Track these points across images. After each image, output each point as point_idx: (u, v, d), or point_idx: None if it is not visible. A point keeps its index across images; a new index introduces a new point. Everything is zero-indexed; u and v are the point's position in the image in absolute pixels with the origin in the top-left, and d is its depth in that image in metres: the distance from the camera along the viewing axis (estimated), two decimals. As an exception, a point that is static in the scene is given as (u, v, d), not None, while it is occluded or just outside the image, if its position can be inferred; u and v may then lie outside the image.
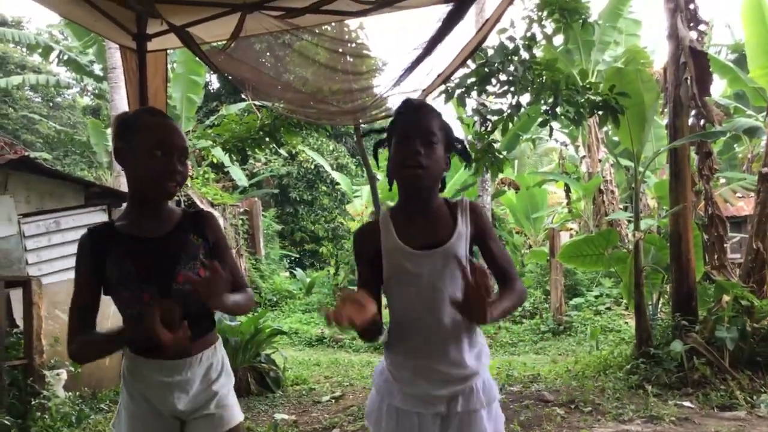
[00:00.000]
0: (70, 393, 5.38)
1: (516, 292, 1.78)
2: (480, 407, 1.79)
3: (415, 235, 1.78)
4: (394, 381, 1.83)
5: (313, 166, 17.12)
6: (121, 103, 10.26)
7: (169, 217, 1.88)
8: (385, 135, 1.87)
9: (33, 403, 4.80)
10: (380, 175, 7.87)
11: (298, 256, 17.30)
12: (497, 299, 1.71)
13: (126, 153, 1.79)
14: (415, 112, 1.78)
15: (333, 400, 5.99)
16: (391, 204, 1.80)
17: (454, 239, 1.76)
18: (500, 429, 1.84)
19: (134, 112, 1.94)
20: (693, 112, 6.19)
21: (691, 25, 6.21)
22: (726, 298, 5.89)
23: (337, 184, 16.53)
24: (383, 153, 1.93)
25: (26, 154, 10.01)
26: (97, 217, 6.40)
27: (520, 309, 11.44)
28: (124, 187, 8.76)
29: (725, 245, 6.62)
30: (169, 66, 12.00)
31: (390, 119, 1.87)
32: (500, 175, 13.32)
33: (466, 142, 1.88)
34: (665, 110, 6.75)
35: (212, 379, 1.90)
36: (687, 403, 5.14)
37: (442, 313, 1.76)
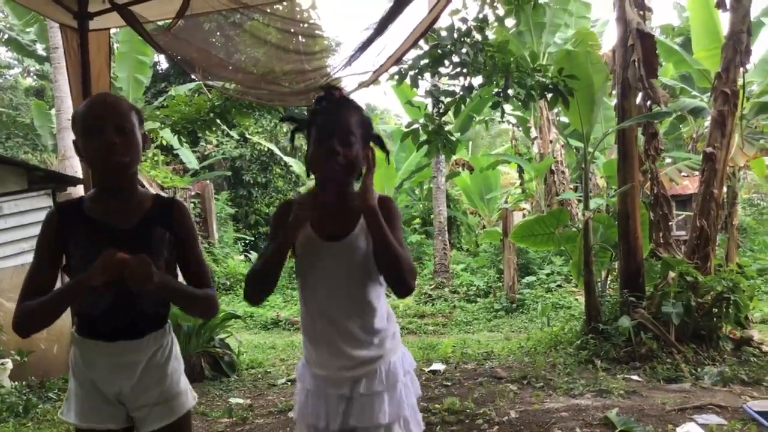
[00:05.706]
0: (16, 383, 5.25)
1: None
2: (382, 390, 1.82)
3: (327, 225, 1.81)
4: (307, 363, 1.90)
5: (266, 148, 16.87)
6: (64, 84, 9.83)
7: (139, 206, 1.84)
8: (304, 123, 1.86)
9: (-23, 394, 4.68)
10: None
11: (252, 239, 17.05)
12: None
13: (77, 145, 1.79)
14: (335, 110, 1.78)
15: (289, 383, 5.97)
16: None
17: (357, 231, 1.79)
18: (403, 413, 1.85)
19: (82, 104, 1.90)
20: (640, 94, 6.32)
21: (640, 13, 6.32)
22: (672, 274, 6.08)
23: (291, 165, 16.39)
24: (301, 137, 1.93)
25: (-35, 137, 9.63)
26: (42, 201, 6.19)
27: (474, 288, 11.60)
28: (69, 171, 8.54)
29: (670, 223, 6.80)
30: (114, 45, 11.68)
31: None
32: (455, 157, 13.46)
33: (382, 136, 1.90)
34: (614, 92, 6.88)
35: (160, 361, 1.86)
36: (635, 377, 5.30)
37: (345, 303, 1.81)
